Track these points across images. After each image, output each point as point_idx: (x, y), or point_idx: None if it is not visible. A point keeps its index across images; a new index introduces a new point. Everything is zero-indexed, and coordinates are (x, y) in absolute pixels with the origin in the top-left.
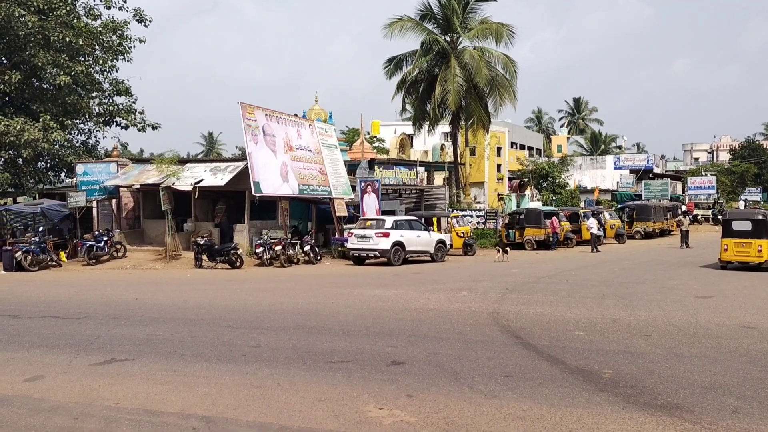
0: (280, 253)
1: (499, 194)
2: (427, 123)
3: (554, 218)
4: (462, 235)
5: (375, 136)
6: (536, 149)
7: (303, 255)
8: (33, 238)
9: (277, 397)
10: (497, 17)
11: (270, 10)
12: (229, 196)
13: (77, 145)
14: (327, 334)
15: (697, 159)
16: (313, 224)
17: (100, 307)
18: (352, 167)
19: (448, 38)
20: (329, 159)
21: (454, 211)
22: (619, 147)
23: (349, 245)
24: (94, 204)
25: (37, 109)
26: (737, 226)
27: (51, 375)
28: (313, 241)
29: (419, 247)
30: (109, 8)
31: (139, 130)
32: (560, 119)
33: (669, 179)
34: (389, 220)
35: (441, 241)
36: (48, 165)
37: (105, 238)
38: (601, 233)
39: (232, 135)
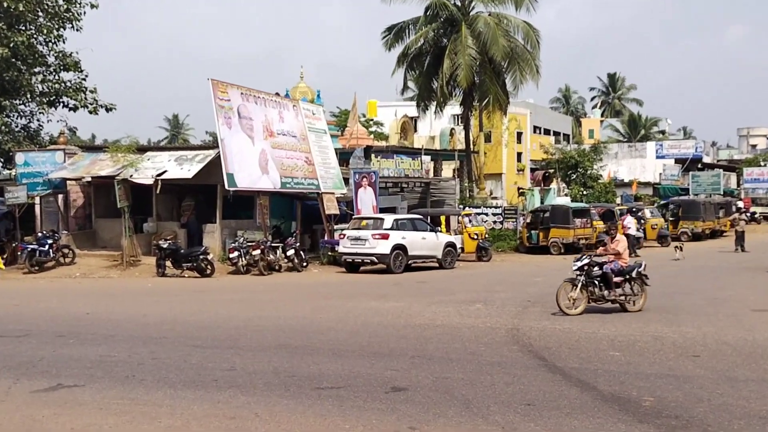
0: (258, 258)
1: (519, 188)
2: (434, 103)
3: (627, 216)
4: (475, 236)
5: (372, 119)
6: (564, 134)
7: (286, 261)
8: None
9: (254, 431)
10: None
11: None
12: (198, 191)
13: (16, 129)
14: (314, 354)
15: (754, 146)
16: (298, 224)
17: (45, 323)
18: (344, 156)
19: (458, 2)
20: (317, 146)
21: (466, 208)
22: (662, 132)
23: (340, 249)
24: (37, 200)
25: None
26: None
27: None
28: (298, 244)
29: (424, 252)
30: None
31: (90, 112)
32: (592, 99)
33: (721, 170)
34: (389, 220)
35: (450, 244)
36: None
37: (50, 241)
38: (640, 234)
39: (202, 118)
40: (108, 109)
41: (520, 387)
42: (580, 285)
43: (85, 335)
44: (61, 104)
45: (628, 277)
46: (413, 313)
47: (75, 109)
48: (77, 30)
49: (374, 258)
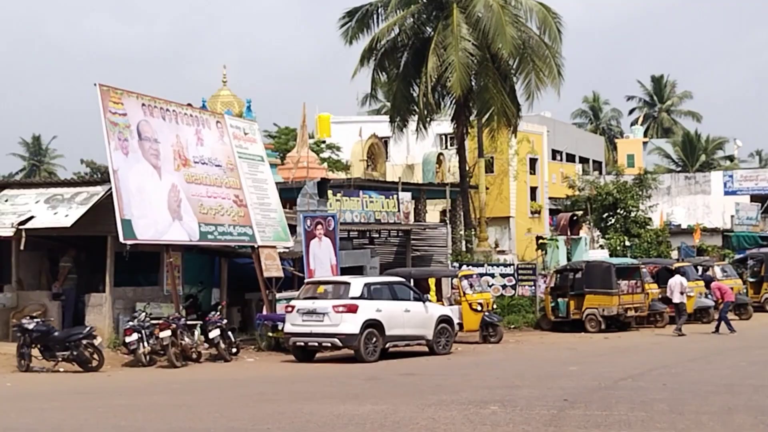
0: (168, 343)
1: (538, 237)
2: (415, 118)
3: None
4: (479, 307)
5: (323, 141)
6: (594, 161)
7: (207, 346)
8: None
9: None
10: None
11: None
12: (78, 246)
13: None
14: None
15: None
16: (223, 292)
17: None
18: (288, 194)
19: None
20: (251, 180)
21: (465, 267)
22: (730, 158)
23: (288, 328)
24: None
25: None
26: None
27: None
28: (225, 321)
29: (408, 330)
30: None
31: None
32: (631, 112)
33: None
34: (357, 284)
35: (445, 320)
36: None
37: None
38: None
39: (76, 140)
40: None
41: None
42: None
43: None
44: None
45: None
46: (401, 420)
47: None
48: None
49: (337, 340)
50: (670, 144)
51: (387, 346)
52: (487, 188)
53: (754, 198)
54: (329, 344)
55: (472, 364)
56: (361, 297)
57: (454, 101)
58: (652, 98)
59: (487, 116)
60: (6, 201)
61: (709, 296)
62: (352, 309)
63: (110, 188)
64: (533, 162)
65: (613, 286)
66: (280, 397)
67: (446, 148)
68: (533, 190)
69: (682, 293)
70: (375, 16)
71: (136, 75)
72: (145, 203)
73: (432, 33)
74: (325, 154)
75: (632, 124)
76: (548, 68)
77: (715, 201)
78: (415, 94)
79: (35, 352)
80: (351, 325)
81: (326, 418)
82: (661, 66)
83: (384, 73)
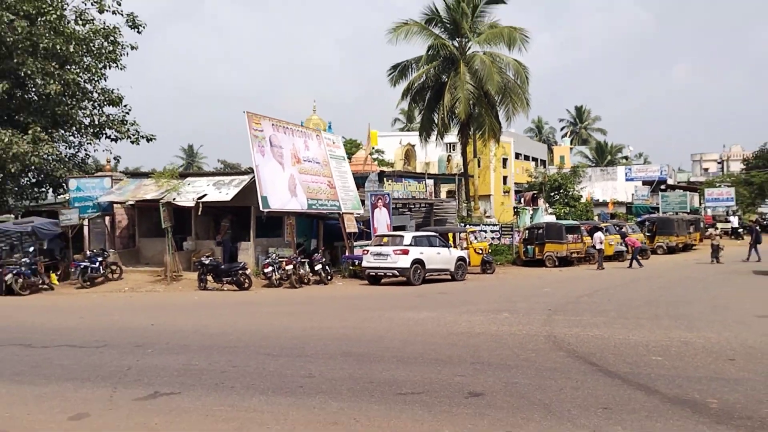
0: (291, 272)
1: (515, 207)
2: (435, 133)
3: (630, 237)
4: (480, 251)
5: (373, 147)
6: (540, 160)
7: (313, 275)
8: (23, 260)
9: None
10: (503, 21)
11: (248, 18)
12: (231, 213)
13: (66, 158)
14: (380, 362)
15: (706, 170)
16: (320, 241)
17: (116, 334)
18: (357, 180)
19: (456, 43)
20: (337, 171)
21: (469, 226)
22: (626, 158)
23: (364, 264)
24: (85, 222)
25: (23, 120)
26: None
27: (96, 412)
28: (324, 259)
29: (439, 265)
30: (102, 12)
31: (132, 142)
32: (562, 129)
33: (687, 191)
34: (408, 236)
35: (461, 259)
36: (33, 180)
37: (100, 259)
38: (620, 247)
39: (213, 148)
40: (149, 140)
41: (587, 391)
42: None
43: (160, 345)
44: (104, 135)
45: None
46: (448, 322)
47: (117, 139)
48: (121, 69)
49: (396, 271)
50: (588, 149)
51: (426, 275)
52: (478, 177)
53: (645, 182)
54: (391, 274)
55: (479, 287)
56: (410, 244)
57: (459, 122)
58: (575, 120)
59: (481, 132)
60: (189, 184)
61: (622, 245)
62: (405, 252)
63: (253, 177)
64: (505, 160)
65: (563, 238)
66: (368, 307)
67: (449, 152)
68: (505, 178)
69: (601, 242)
70: (410, 69)
71: (246, 106)
72: (274, 186)
73: (446, 79)
74: (375, 156)
75: (563, 137)
76: (520, 101)
77: (619, 185)
78: (435, 118)
79: (209, 278)
80: (404, 262)
81: (402, 320)
82: (578, 98)
83: (416, 104)
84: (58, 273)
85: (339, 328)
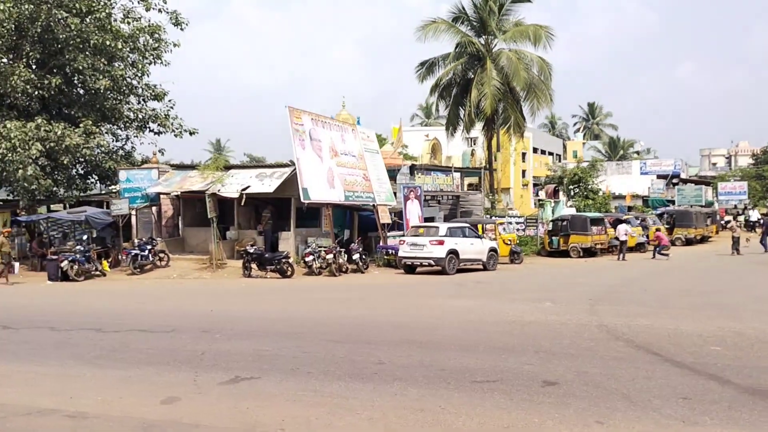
0: (331, 261)
1: (539, 200)
2: (461, 127)
3: (658, 233)
4: (509, 242)
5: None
6: (556, 155)
7: (351, 264)
8: (77, 247)
9: (453, 424)
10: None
11: (271, 18)
12: (271, 203)
13: (113, 151)
14: (444, 350)
15: (715, 164)
16: (355, 232)
17: (179, 319)
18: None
19: (482, 40)
20: (372, 165)
21: (498, 218)
22: (637, 152)
23: (401, 253)
24: (133, 212)
25: (74, 113)
26: None
27: (185, 396)
28: (361, 248)
29: (472, 255)
30: (148, 10)
31: (175, 136)
32: (574, 124)
33: (703, 185)
34: (443, 228)
35: (493, 249)
36: (83, 171)
37: (149, 247)
38: (642, 239)
39: (239, 142)
40: (191, 133)
41: (661, 381)
42: None
43: (226, 331)
44: (148, 129)
45: None
46: (495, 310)
47: (160, 133)
48: (165, 65)
49: (432, 261)
50: (601, 144)
51: (460, 265)
52: (500, 171)
53: (659, 176)
54: (427, 263)
55: (512, 276)
56: (446, 235)
57: (484, 117)
58: (587, 116)
59: (506, 127)
60: (232, 176)
61: (645, 237)
62: (441, 242)
63: (294, 169)
64: (524, 154)
65: (588, 230)
66: (412, 294)
67: (469, 146)
68: (523, 172)
69: (625, 234)
70: (437, 66)
71: (269, 103)
72: (314, 178)
73: (472, 75)
74: (399, 150)
75: (575, 132)
76: (545, 96)
77: (634, 179)
78: (461, 113)
79: (253, 266)
80: (440, 252)
81: (450, 308)
82: (588, 96)
83: (442, 100)
84: (109, 260)
85: (392, 315)
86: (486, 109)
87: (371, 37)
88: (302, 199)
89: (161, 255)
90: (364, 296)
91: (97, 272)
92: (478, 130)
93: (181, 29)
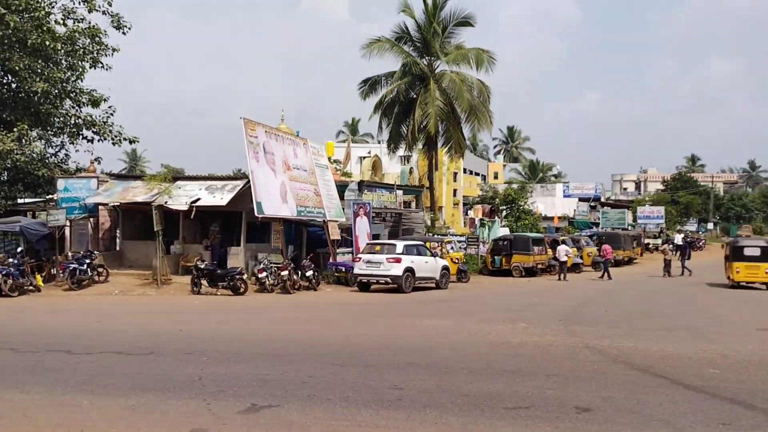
0: (286, 278)
1: (480, 219)
2: (403, 146)
3: (606, 246)
4: (456, 261)
5: (330, 158)
6: (482, 175)
7: (303, 281)
8: (9, 260)
9: None
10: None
11: (189, 29)
12: (219, 217)
13: (48, 158)
14: (453, 372)
15: (626, 189)
16: (303, 248)
17: (151, 340)
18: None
19: (426, 61)
20: (322, 180)
21: (445, 237)
22: (555, 175)
23: (356, 270)
24: (67, 223)
25: (7, 117)
26: (748, 252)
27: (211, 427)
28: (313, 265)
29: (427, 274)
30: (91, 11)
31: (114, 144)
32: (495, 146)
33: (623, 209)
34: (400, 245)
35: (446, 268)
36: (13, 179)
37: (88, 261)
38: (577, 260)
39: (156, 152)
40: (131, 141)
41: (689, 406)
42: None
43: (211, 353)
44: (81, 136)
45: None
46: (475, 331)
47: (91, 140)
48: (106, 69)
49: (388, 279)
50: (521, 166)
51: (415, 283)
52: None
53: (581, 199)
54: (383, 281)
55: (468, 295)
56: (402, 253)
57: (425, 137)
58: (507, 139)
59: (448, 146)
60: (180, 188)
61: (579, 257)
62: (398, 260)
63: (248, 182)
64: (455, 174)
65: (530, 249)
66: (382, 314)
67: (404, 164)
68: (454, 191)
69: (566, 255)
70: (380, 84)
71: (185, 115)
72: (268, 192)
73: (415, 95)
74: (334, 166)
75: (496, 154)
76: (485, 119)
77: (558, 201)
78: (403, 132)
79: (203, 282)
80: (397, 269)
81: (429, 328)
82: (512, 120)
83: (385, 118)
84: (43, 274)
85: (378, 335)
86: (430, 129)
87: (291, 53)
88: (256, 213)
89: (100, 270)
90: (334, 316)
91: (32, 287)
92: (413, 149)
93: (123, 33)
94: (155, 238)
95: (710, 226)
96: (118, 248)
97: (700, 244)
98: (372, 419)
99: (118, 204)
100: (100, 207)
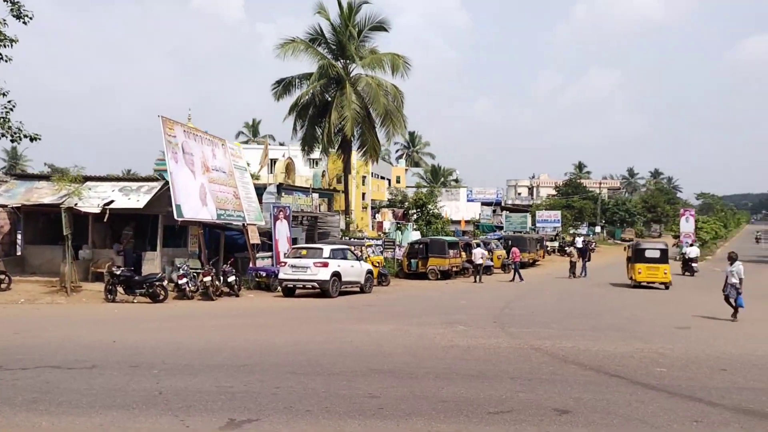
0: (208, 284)
1: (397, 223)
2: (318, 149)
3: (515, 249)
4: (377, 264)
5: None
6: (387, 179)
7: (225, 287)
8: None
9: None
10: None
11: (73, 19)
12: (132, 220)
13: None
14: (421, 378)
15: (519, 194)
16: (221, 253)
17: (87, 353)
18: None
19: (341, 64)
20: (241, 182)
21: (365, 241)
22: (456, 180)
23: (282, 275)
24: None
25: None
26: (649, 254)
27: None
28: (234, 270)
29: (352, 278)
30: None
31: (12, 141)
32: (397, 151)
33: (524, 212)
34: (327, 249)
35: (370, 272)
36: None
37: None
38: (489, 263)
39: (39, 151)
40: (33, 139)
41: (657, 405)
42: None
43: (159, 365)
44: None
45: None
46: (420, 335)
47: None
48: (7, 61)
49: (315, 284)
50: (423, 171)
51: (342, 288)
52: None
53: (484, 203)
54: (310, 286)
55: (395, 299)
56: (329, 257)
57: (340, 140)
58: (408, 144)
59: (363, 150)
60: (90, 189)
61: (490, 260)
62: (325, 265)
63: (166, 183)
64: (364, 178)
65: (446, 253)
66: (319, 319)
67: (313, 167)
68: (363, 194)
69: (482, 258)
70: (294, 85)
71: (74, 111)
72: (187, 194)
73: (330, 98)
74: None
75: (398, 159)
76: (399, 123)
77: (462, 205)
78: (317, 134)
79: (120, 289)
80: (324, 274)
81: (375, 334)
82: (412, 125)
83: (300, 119)
84: None
85: (324, 342)
86: (347, 132)
87: (183, 50)
88: (176, 217)
89: (1, 277)
90: (268, 322)
91: None
92: (328, 152)
93: (24, 23)
94: (61, 243)
95: (598, 229)
96: (19, 253)
97: (592, 246)
98: (362, 430)
99: (20, 206)
100: None
